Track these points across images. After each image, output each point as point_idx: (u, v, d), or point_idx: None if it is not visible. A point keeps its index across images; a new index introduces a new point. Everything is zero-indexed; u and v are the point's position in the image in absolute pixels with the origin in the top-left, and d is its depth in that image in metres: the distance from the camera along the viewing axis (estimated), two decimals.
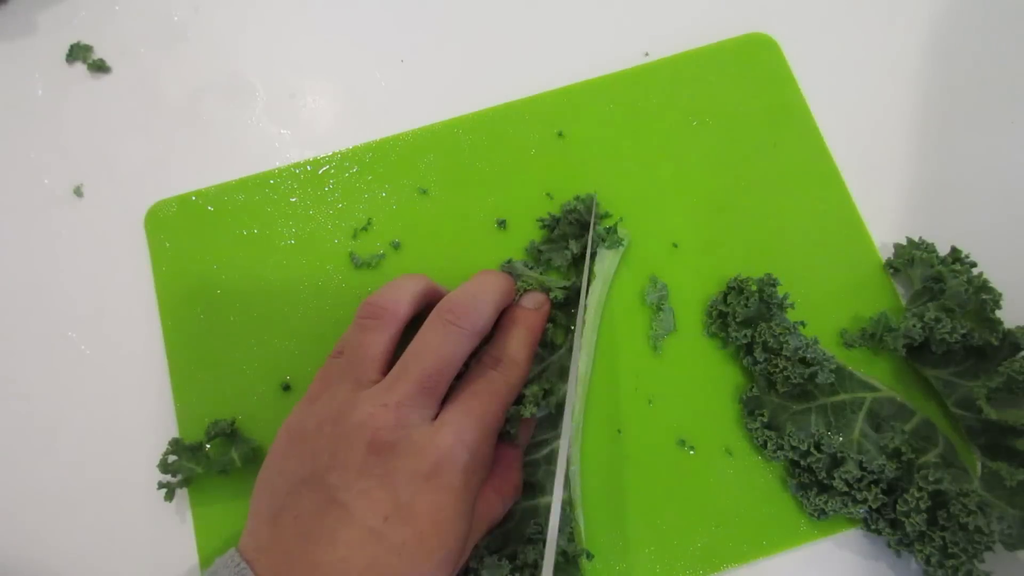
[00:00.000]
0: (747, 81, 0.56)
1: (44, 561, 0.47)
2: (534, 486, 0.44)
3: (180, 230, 0.53)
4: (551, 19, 0.59)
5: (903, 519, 0.42)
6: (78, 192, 0.55)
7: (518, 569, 0.41)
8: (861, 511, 0.43)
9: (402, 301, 0.42)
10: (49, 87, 0.58)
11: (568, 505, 0.44)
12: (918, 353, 0.47)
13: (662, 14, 0.58)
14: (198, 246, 0.52)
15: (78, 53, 0.58)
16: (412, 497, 0.36)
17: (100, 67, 0.58)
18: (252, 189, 0.54)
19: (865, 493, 0.43)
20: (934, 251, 0.49)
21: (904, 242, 0.50)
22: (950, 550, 0.41)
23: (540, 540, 0.42)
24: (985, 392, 0.43)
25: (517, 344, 0.43)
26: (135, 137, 0.56)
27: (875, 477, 0.43)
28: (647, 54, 0.57)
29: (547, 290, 0.47)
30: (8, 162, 0.56)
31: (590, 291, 0.48)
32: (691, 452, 0.47)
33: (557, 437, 0.45)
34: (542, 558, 0.41)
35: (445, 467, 0.37)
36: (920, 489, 0.42)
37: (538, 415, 0.43)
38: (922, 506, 0.41)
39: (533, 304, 0.46)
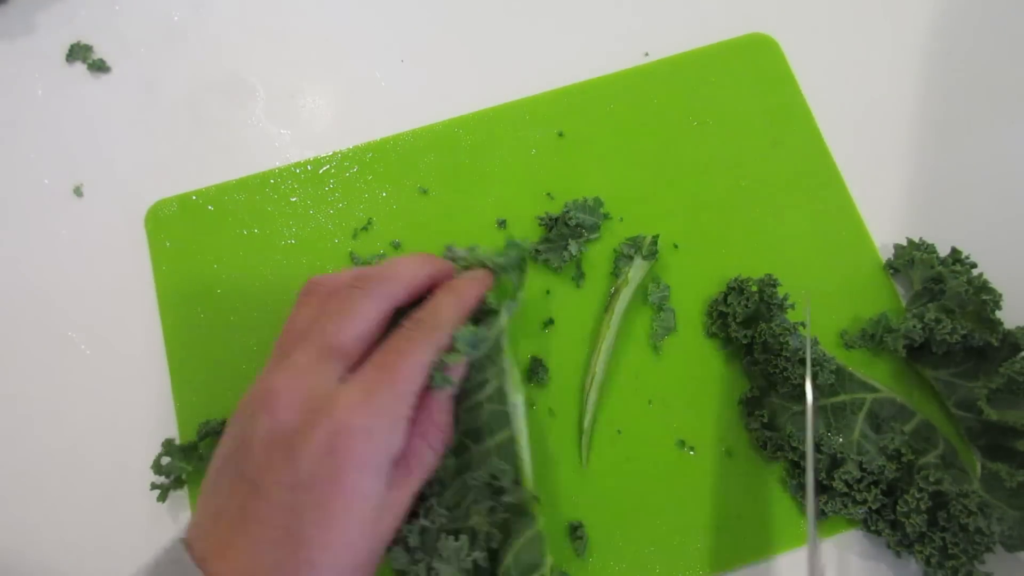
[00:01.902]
0: (747, 81, 0.56)
1: (44, 561, 0.47)
2: (480, 430, 0.43)
3: (180, 230, 0.53)
4: (551, 19, 0.59)
5: (903, 520, 0.42)
6: (78, 192, 0.55)
7: (476, 546, 0.40)
8: (861, 512, 0.43)
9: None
10: (49, 87, 0.58)
11: (512, 443, 0.42)
12: (918, 354, 0.47)
13: (662, 14, 0.58)
14: (198, 246, 0.52)
15: (78, 53, 0.58)
16: (314, 462, 0.35)
17: (100, 67, 0.58)
18: (252, 189, 0.54)
19: (865, 494, 0.43)
20: (934, 252, 0.49)
21: (904, 243, 0.50)
22: (950, 551, 0.41)
23: (492, 504, 0.41)
24: (985, 393, 0.43)
25: (441, 305, 0.41)
26: (135, 137, 0.56)
27: (875, 478, 0.43)
28: (647, 54, 0.57)
29: (485, 264, 0.45)
30: (8, 162, 0.56)
31: (620, 295, 0.49)
32: (691, 453, 0.47)
33: (497, 375, 0.43)
34: (492, 526, 0.40)
35: (344, 429, 0.35)
36: (920, 490, 0.42)
37: (472, 356, 0.41)
38: (922, 507, 0.41)
39: (470, 275, 0.44)
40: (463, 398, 0.43)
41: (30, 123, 0.57)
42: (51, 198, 0.55)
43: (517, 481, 0.42)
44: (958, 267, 0.47)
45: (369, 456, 0.36)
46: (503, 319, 0.42)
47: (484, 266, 0.44)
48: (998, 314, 0.45)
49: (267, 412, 0.36)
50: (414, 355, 0.38)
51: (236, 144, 0.56)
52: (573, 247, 0.49)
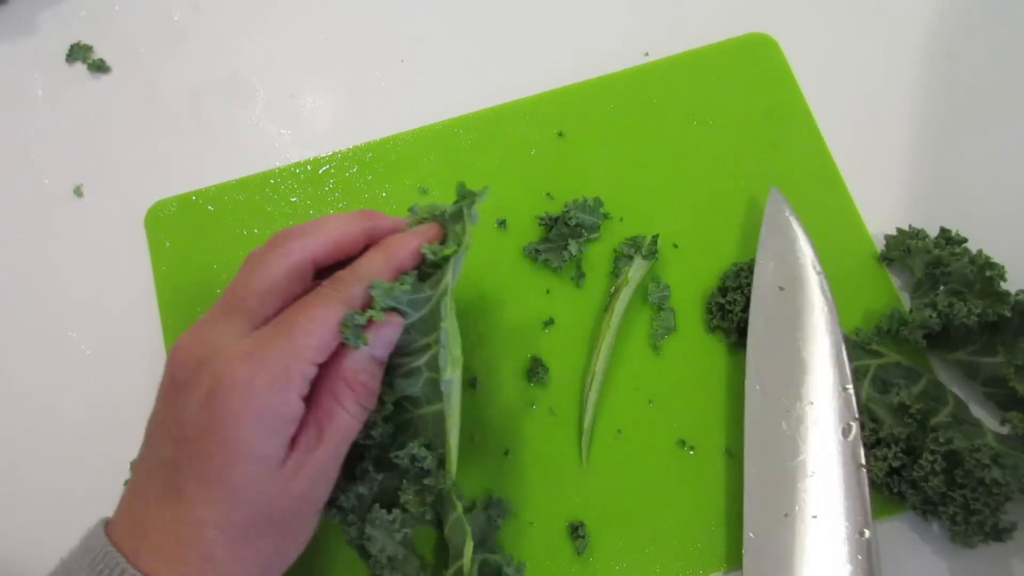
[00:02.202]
0: (747, 81, 0.56)
1: (42, 561, 0.47)
2: (416, 398, 0.41)
3: (180, 230, 0.53)
4: (551, 19, 0.59)
5: (922, 483, 0.42)
6: (78, 192, 0.55)
7: (408, 523, 0.39)
8: (883, 470, 0.43)
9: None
10: (49, 87, 0.58)
11: (441, 419, 0.40)
12: (933, 340, 0.47)
13: (662, 14, 0.59)
14: (198, 246, 0.52)
15: (78, 53, 0.58)
16: (194, 414, 0.34)
17: (100, 67, 0.58)
18: (252, 189, 0.54)
19: (886, 450, 0.43)
20: (927, 236, 0.49)
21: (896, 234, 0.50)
22: (972, 506, 0.41)
23: (417, 488, 0.39)
24: (1012, 371, 0.43)
25: (364, 261, 0.39)
26: (135, 137, 0.56)
27: (887, 435, 0.43)
28: (647, 54, 0.57)
29: (435, 216, 0.42)
30: (8, 162, 0.56)
31: (620, 295, 0.48)
32: (691, 452, 0.47)
33: (437, 341, 0.39)
34: (422, 504, 0.39)
35: (223, 380, 0.34)
36: (933, 452, 0.42)
37: (410, 316, 0.39)
38: (938, 468, 0.42)
39: (411, 230, 0.41)
40: (403, 361, 0.40)
41: (30, 123, 0.57)
42: (51, 198, 0.55)
43: (442, 463, 0.40)
44: (955, 248, 0.47)
45: (249, 410, 0.34)
46: (448, 277, 0.39)
47: (435, 218, 0.42)
48: (1003, 286, 0.45)
49: (166, 369, 0.36)
50: (319, 309, 0.36)
51: (236, 144, 0.56)
52: (573, 247, 0.49)
